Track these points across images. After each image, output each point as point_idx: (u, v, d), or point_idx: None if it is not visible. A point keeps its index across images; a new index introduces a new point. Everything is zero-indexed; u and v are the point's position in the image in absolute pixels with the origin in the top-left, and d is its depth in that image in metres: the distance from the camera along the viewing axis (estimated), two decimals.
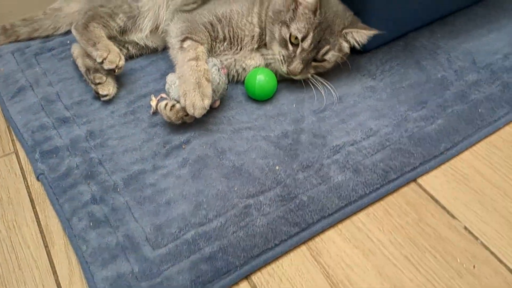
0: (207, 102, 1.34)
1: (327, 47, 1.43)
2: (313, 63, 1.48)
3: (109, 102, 1.56)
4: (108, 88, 1.55)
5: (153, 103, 1.47)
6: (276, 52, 1.49)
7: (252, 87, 1.49)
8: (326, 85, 1.52)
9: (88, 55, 1.59)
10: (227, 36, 1.53)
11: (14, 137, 1.50)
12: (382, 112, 1.47)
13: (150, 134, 1.44)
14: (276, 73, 1.54)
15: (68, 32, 1.83)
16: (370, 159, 1.33)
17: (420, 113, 1.46)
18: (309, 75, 1.49)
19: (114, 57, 1.50)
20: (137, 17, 1.67)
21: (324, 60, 1.48)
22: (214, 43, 1.53)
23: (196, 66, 1.37)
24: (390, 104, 1.49)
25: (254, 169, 1.32)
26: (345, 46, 1.48)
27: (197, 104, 1.33)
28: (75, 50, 1.66)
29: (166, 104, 1.39)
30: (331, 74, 1.57)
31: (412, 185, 1.30)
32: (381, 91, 1.54)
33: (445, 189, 1.28)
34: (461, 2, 1.85)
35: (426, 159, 1.33)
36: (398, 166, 1.31)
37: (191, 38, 1.47)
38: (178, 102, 1.38)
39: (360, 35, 1.44)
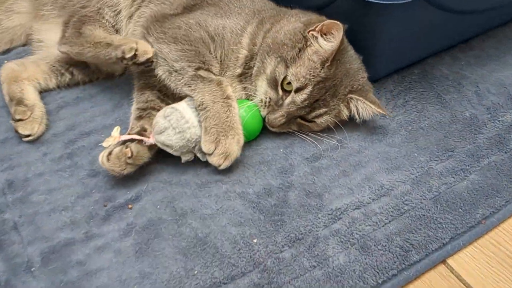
0: (239, 152, 1.09)
1: (323, 110, 1.15)
2: (299, 120, 1.18)
3: (41, 141, 1.20)
4: (31, 126, 1.21)
5: (108, 142, 1.07)
6: (261, 90, 1.16)
7: None
8: (315, 135, 1.19)
9: (16, 82, 1.26)
10: (218, 59, 1.19)
11: None
12: (396, 162, 1.12)
13: (88, 186, 1.10)
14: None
15: (6, 52, 1.49)
16: (382, 230, 0.98)
17: (446, 165, 1.12)
18: (290, 130, 1.21)
19: (145, 45, 1.15)
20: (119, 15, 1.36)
21: (313, 122, 1.17)
22: None
23: (231, 107, 1.10)
24: (406, 152, 1.15)
25: (223, 242, 0.96)
26: (345, 113, 1.19)
27: (233, 154, 1.07)
28: (3, 72, 1.32)
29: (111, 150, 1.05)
30: None
31: (441, 269, 0.95)
32: (393, 134, 1.20)
33: (485, 274, 0.94)
34: (487, 22, 1.51)
35: (459, 231, 0.99)
36: (422, 241, 0.96)
37: (204, 69, 1.14)
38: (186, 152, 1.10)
39: (366, 108, 1.16)
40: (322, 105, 1.13)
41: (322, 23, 1.09)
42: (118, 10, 1.35)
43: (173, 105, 1.10)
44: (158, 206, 1.04)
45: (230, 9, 1.25)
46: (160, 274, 0.92)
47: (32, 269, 0.93)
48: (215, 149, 1.05)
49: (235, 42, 1.19)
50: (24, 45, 1.49)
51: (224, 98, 1.09)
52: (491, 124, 1.22)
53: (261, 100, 1.16)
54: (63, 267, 0.93)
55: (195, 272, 0.92)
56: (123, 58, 1.13)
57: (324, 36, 1.10)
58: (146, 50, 1.14)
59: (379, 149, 1.16)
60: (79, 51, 1.24)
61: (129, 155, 1.05)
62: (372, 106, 1.14)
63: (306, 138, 1.18)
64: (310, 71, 1.10)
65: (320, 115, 1.15)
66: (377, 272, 0.91)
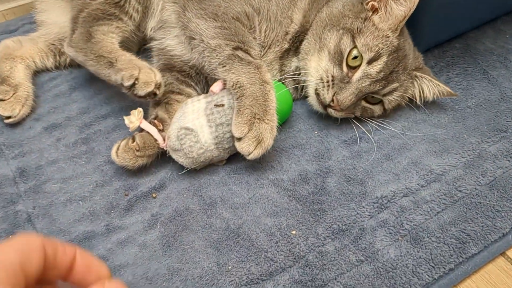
0: (272, 143, 0.94)
1: (395, 85, 1.03)
2: (364, 103, 1.05)
3: (54, 125, 1.11)
4: (12, 107, 1.11)
5: (132, 120, 0.97)
6: (320, 69, 1.04)
7: None
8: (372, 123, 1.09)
9: (8, 60, 1.19)
10: (262, 35, 1.08)
11: None
12: (445, 144, 1.02)
13: (107, 174, 1.00)
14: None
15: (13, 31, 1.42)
16: (435, 220, 0.88)
17: (499, 146, 1.01)
18: (352, 116, 1.08)
19: (148, 74, 0.99)
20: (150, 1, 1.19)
21: (379, 103, 1.06)
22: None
23: (269, 92, 0.96)
24: (454, 133, 1.05)
25: (258, 235, 0.87)
26: (410, 92, 1.09)
27: (266, 141, 0.93)
28: None
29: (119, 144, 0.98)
30: None
31: (500, 262, 0.85)
32: (439, 113, 1.10)
33: None
34: None
35: None
36: (480, 232, 0.86)
37: (243, 49, 1.00)
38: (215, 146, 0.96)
39: (431, 87, 1.06)
40: (396, 78, 1.02)
41: None
42: None
43: (189, 123, 0.94)
44: (185, 195, 0.95)
45: None
46: (190, 270, 0.82)
47: None
48: (247, 132, 0.92)
49: (284, 16, 1.07)
50: None
51: (262, 82, 0.96)
52: None
53: (321, 80, 1.03)
54: None
55: (229, 267, 0.83)
56: (121, 85, 0.99)
57: (396, 0, 1.00)
58: (147, 81, 0.98)
59: (424, 130, 1.06)
60: (83, 61, 1.09)
61: (137, 148, 0.95)
62: (440, 84, 1.04)
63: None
64: (382, 40, 1.00)
65: (393, 91, 1.04)
66: (432, 266, 0.82)
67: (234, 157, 1.01)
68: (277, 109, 1.01)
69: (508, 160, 0.98)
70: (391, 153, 1.01)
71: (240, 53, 0.99)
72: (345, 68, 1.01)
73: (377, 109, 1.06)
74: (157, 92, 0.99)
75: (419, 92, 1.08)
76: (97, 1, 1.14)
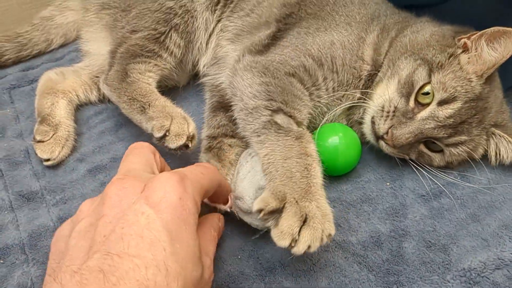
0: (328, 226, 0.73)
1: (463, 137, 0.91)
2: (422, 148, 0.93)
3: (99, 167, 1.03)
4: (51, 149, 1.04)
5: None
6: (385, 96, 0.92)
7: (321, 154, 0.91)
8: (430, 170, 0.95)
9: (50, 94, 1.12)
10: (330, 91, 0.96)
11: None
12: None
13: None
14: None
15: (63, 46, 1.37)
16: None
17: None
18: (406, 158, 0.96)
19: (181, 125, 0.92)
20: (195, 39, 1.14)
21: (440, 152, 0.93)
22: (315, 92, 0.96)
23: (311, 166, 0.80)
24: None
25: None
26: (481, 150, 0.95)
27: (315, 219, 0.73)
28: (40, 82, 1.18)
29: None
30: None
31: None
32: None
33: None
34: None
35: None
36: None
37: (285, 112, 0.87)
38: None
39: (506, 151, 0.93)
40: (466, 130, 0.90)
41: (490, 29, 0.86)
42: (191, 31, 1.12)
43: None
44: (239, 257, 0.84)
45: (335, 19, 1.02)
46: None
47: None
48: (280, 217, 0.72)
49: (353, 59, 0.95)
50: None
51: (302, 154, 0.81)
52: None
53: (382, 108, 0.92)
54: None
55: None
56: (152, 135, 0.91)
57: (490, 44, 0.87)
58: (179, 133, 0.90)
59: None
60: (116, 102, 1.03)
61: None
62: None
63: (419, 169, 0.94)
64: (462, 83, 0.88)
65: (458, 144, 0.91)
66: None
67: None
68: (344, 154, 0.91)
69: None
70: (477, 212, 0.87)
71: (280, 118, 0.85)
72: (412, 103, 0.90)
73: (437, 158, 0.94)
74: (190, 145, 0.91)
75: (495, 152, 0.94)
76: (137, 35, 1.09)
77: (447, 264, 0.80)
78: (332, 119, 0.99)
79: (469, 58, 0.89)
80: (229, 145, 0.98)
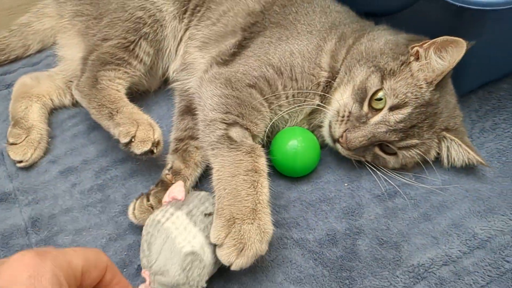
0: (264, 247, 0.79)
1: (414, 141, 0.95)
2: (377, 150, 0.97)
3: (71, 169, 1.06)
4: (23, 151, 1.07)
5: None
6: (340, 101, 0.97)
7: (282, 157, 0.96)
8: (385, 172, 0.99)
9: (24, 98, 1.16)
10: (290, 95, 1.00)
11: None
12: (490, 203, 0.92)
13: (122, 227, 0.97)
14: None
15: (40, 51, 1.39)
16: None
17: None
18: (362, 160, 1.00)
19: (146, 131, 0.95)
20: (163, 44, 1.18)
21: (394, 155, 0.97)
22: (276, 101, 1.00)
23: (257, 183, 0.84)
24: (501, 190, 0.95)
25: None
26: (433, 153, 0.99)
27: (251, 246, 0.77)
28: (16, 87, 1.21)
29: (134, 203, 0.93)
30: None
31: None
32: (484, 166, 0.99)
33: None
34: None
35: None
36: None
37: (241, 125, 0.92)
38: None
39: (460, 152, 0.97)
40: (417, 134, 0.94)
41: (439, 38, 0.90)
42: (160, 39, 1.16)
43: (189, 247, 0.75)
44: None
45: (297, 28, 1.06)
46: None
47: None
48: (225, 238, 0.77)
49: (310, 66, 1.00)
50: None
51: (249, 171, 0.84)
52: None
53: (337, 112, 0.96)
54: None
55: None
56: (118, 141, 0.95)
57: (438, 52, 0.92)
58: (144, 139, 0.93)
59: (467, 185, 0.96)
60: (86, 107, 1.07)
61: (151, 207, 0.90)
62: (470, 151, 0.95)
63: (375, 170, 0.98)
64: (412, 89, 0.92)
65: (410, 147, 0.95)
66: None
67: None
68: (303, 157, 0.95)
69: None
70: (429, 212, 0.92)
71: (235, 131, 0.90)
72: (365, 108, 0.95)
73: (391, 160, 0.98)
74: (155, 151, 0.94)
75: (447, 155, 0.99)
76: (107, 43, 1.13)
77: (397, 260, 0.84)
78: (294, 123, 1.03)
79: (420, 65, 0.93)
80: (195, 147, 1.02)
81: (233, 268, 0.76)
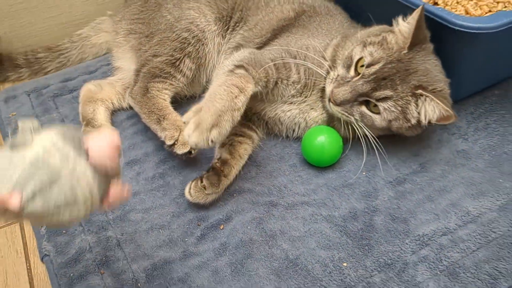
0: (214, 134, 1.00)
1: (387, 92, 1.10)
2: (363, 108, 1.14)
3: (134, 160, 1.28)
4: None
5: None
6: (334, 71, 1.19)
7: (311, 150, 1.18)
8: (372, 142, 1.16)
9: (91, 102, 1.37)
10: (302, 77, 1.22)
11: None
12: (481, 187, 1.13)
13: (182, 206, 1.16)
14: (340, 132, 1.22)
15: (92, 60, 1.64)
16: (471, 257, 1.00)
17: None
18: (352, 119, 1.16)
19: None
20: (204, 61, 1.40)
21: (378, 114, 1.13)
22: (285, 81, 1.22)
23: (235, 96, 1.05)
24: (490, 177, 1.16)
25: (314, 265, 1.01)
26: (412, 111, 1.12)
27: (204, 126, 1.00)
28: (82, 93, 1.42)
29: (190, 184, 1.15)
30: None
31: None
32: (476, 158, 1.21)
33: None
34: None
35: None
36: (510, 269, 0.97)
37: (247, 69, 1.14)
38: None
39: (433, 106, 1.09)
40: (390, 86, 1.10)
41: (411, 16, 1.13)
42: (201, 56, 1.38)
43: None
44: (248, 227, 1.09)
45: (318, 30, 1.30)
46: None
47: (138, 285, 1.00)
48: (190, 117, 1.03)
49: (318, 58, 1.21)
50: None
51: (233, 85, 1.07)
52: None
53: (330, 78, 1.18)
54: (166, 284, 1.00)
55: None
56: (164, 142, 1.20)
57: (406, 20, 1.14)
58: (185, 143, 1.18)
59: (463, 173, 1.17)
60: (138, 112, 1.32)
61: (204, 187, 1.12)
62: (442, 105, 1.07)
63: (361, 140, 1.17)
64: (385, 51, 1.12)
65: (385, 98, 1.10)
66: None
67: (291, 194, 1.15)
68: (329, 150, 1.17)
69: None
70: (432, 194, 1.13)
71: (238, 70, 1.13)
72: (352, 72, 1.15)
73: (377, 119, 1.13)
74: (192, 152, 1.19)
75: (424, 111, 1.11)
76: (157, 60, 1.34)
77: (406, 231, 1.06)
78: (309, 102, 1.24)
79: (394, 34, 1.14)
80: (239, 142, 1.24)
81: (190, 141, 1.00)
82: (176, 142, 1.19)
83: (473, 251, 1.01)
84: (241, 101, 1.06)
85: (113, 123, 1.40)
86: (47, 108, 1.47)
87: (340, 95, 1.13)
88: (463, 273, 0.97)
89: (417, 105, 1.11)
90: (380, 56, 1.11)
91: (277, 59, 1.20)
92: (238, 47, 1.39)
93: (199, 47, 1.37)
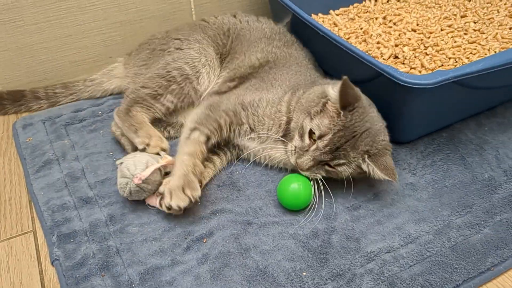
0: (189, 193, 1.30)
1: (342, 161, 1.30)
2: (326, 167, 1.33)
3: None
4: (157, 143, 1.52)
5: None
6: (292, 142, 1.38)
7: (286, 196, 1.37)
8: (330, 197, 1.38)
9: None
10: (251, 124, 1.47)
11: (35, 214, 1.44)
12: (423, 215, 1.35)
13: (172, 222, 1.37)
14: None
15: (101, 97, 1.87)
16: (408, 271, 1.21)
17: (464, 219, 1.34)
18: (319, 177, 1.35)
19: (156, 141, 1.47)
20: (192, 96, 1.63)
21: (337, 169, 1.33)
22: (238, 128, 1.48)
23: (187, 161, 1.36)
24: (431, 206, 1.38)
25: (279, 274, 1.22)
26: (364, 168, 1.33)
27: (177, 195, 1.30)
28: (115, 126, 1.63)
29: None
30: None
31: None
32: (421, 190, 1.43)
33: None
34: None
35: (471, 275, 1.20)
36: (439, 282, 1.18)
37: (199, 130, 1.43)
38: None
39: (376, 173, 1.30)
40: (343, 155, 1.27)
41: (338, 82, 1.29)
42: (188, 92, 1.61)
43: None
44: (227, 241, 1.30)
45: (272, 83, 1.52)
46: None
47: (133, 286, 1.20)
48: (164, 188, 1.37)
49: (272, 111, 1.44)
50: None
51: (187, 153, 1.38)
52: (506, 185, 1.43)
53: (290, 150, 1.37)
54: (156, 286, 1.20)
55: None
56: (137, 147, 1.46)
57: (333, 88, 1.32)
58: (154, 146, 1.45)
59: (409, 203, 1.40)
60: (121, 125, 1.54)
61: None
62: (380, 173, 1.28)
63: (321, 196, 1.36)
64: (330, 121, 1.28)
65: (341, 165, 1.30)
66: None
67: (264, 215, 1.37)
68: (302, 195, 1.35)
69: (469, 230, 1.30)
70: (381, 219, 1.35)
71: (192, 134, 1.42)
72: (307, 140, 1.32)
73: (339, 173, 1.33)
74: (161, 154, 1.43)
75: (371, 172, 1.31)
76: (143, 91, 1.58)
77: (357, 249, 1.27)
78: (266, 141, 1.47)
79: (330, 102, 1.31)
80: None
81: (173, 206, 1.29)
82: (146, 147, 1.46)
83: (410, 266, 1.22)
84: (199, 160, 1.38)
85: (121, 151, 1.62)
86: (59, 135, 1.69)
87: (304, 164, 1.32)
88: (400, 283, 1.18)
89: (366, 166, 1.31)
90: (327, 127, 1.28)
91: (229, 111, 1.45)
92: (224, 82, 1.63)
93: (185, 85, 1.60)
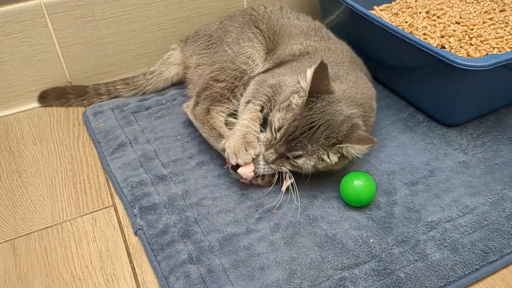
0: (252, 152, 1.38)
1: (299, 152, 1.31)
2: (289, 161, 1.36)
3: (203, 162, 1.62)
4: None
5: None
6: (265, 135, 1.44)
7: (351, 194, 1.40)
8: (293, 191, 1.41)
9: None
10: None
11: (113, 191, 1.57)
12: (477, 189, 1.45)
13: (242, 196, 1.48)
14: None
15: (164, 89, 1.99)
16: (468, 238, 1.31)
17: None
18: (285, 169, 1.38)
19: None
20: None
21: (296, 161, 1.34)
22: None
23: (247, 123, 1.44)
24: (484, 181, 1.48)
25: (347, 240, 1.32)
26: (333, 158, 1.33)
27: (240, 153, 1.38)
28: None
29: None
30: (413, 147, 1.61)
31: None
32: (474, 167, 1.53)
33: None
34: None
35: None
36: (498, 247, 1.28)
37: (252, 102, 1.51)
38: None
39: (356, 150, 1.30)
40: (300, 147, 1.30)
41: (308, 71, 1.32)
42: (248, 82, 1.66)
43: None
44: (295, 213, 1.41)
45: (293, 69, 1.59)
46: (303, 259, 1.27)
47: (214, 250, 1.32)
48: (228, 147, 1.44)
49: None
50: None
51: (244, 119, 1.46)
52: None
53: (262, 141, 1.43)
54: (235, 250, 1.30)
55: (329, 259, 1.27)
56: (223, 151, 1.50)
57: (304, 78, 1.33)
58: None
59: (463, 178, 1.49)
60: (198, 127, 1.60)
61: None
62: (359, 146, 1.28)
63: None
64: (289, 113, 1.33)
65: (299, 156, 1.32)
66: (464, 266, 1.24)
67: (328, 189, 1.48)
68: (366, 193, 1.39)
69: None
70: (439, 193, 1.45)
71: (249, 104, 1.50)
72: (274, 134, 1.35)
73: (303, 168, 1.35)
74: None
75: (352, 155, 1.33)
76: (218, 85, 1.62)
77: (419, 219, 1.37)
78: None
79: (297, 95, 1.34)
80: None
81: (238, 161, 1.39)
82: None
83: (470, 233, 1.32)
84: (257, 123, 1.45)
85: (188, 134, 1.75)
86: (129, 121, 1.82)
87: (268, 157, 1.36)
88: (461, 248, 1.28)
89: (341, 152, 1.32)
90: (285, 119, 1.31)
91: (272, 85, 1.54)
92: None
93: (250, 76, 1.71)
